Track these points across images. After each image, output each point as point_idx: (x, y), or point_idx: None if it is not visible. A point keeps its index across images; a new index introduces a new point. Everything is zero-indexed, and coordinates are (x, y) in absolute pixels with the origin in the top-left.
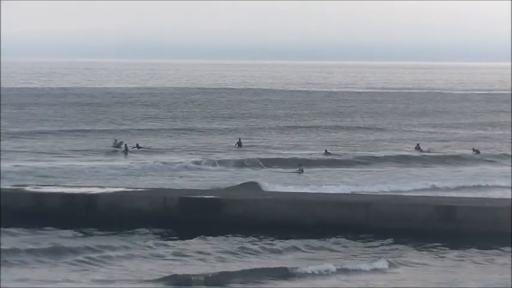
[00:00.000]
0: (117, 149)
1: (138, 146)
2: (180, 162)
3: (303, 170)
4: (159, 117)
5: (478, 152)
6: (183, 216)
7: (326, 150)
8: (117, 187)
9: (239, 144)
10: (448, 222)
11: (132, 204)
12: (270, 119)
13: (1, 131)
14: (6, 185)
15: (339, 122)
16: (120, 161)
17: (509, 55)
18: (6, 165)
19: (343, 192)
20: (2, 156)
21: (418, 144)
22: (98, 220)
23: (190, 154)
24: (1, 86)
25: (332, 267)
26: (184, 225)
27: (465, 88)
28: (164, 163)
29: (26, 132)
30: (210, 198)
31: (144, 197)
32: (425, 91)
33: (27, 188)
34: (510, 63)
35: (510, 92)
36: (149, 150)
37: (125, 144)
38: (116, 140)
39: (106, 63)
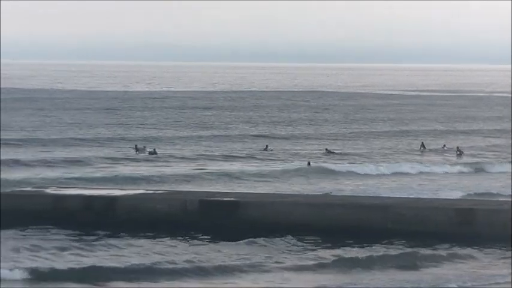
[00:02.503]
0: (140, 153)
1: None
2: None
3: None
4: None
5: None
6: (203, 219)
7: (326, 149)
8: (137, 189)
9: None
10: (468, 225)
11: (152, 206)
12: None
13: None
14: (27, 187)
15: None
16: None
17: (508, 57)
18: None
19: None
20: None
21: None
22: (117, 223)
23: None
24: (24, 88)
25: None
26: (205, 228)
27: None
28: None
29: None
30: (230, 200)
31: (164, 199)
32: (482, 94)
33: (48, 190)
34: (510, 66)
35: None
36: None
37: (154, 149)
38: (140, 146)
39: (118, 65)
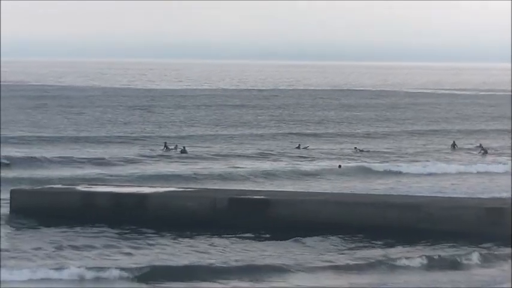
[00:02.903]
0: (171, 151)
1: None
2: None
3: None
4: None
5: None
6: (233, 217)
7: (356, 148)
8: (167, 187)
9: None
10: (499, 225)
11: (182, 204)
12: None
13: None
14: (57, 184)
15: None
16: None
17: (507, 56)
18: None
19: None
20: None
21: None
22: (148, 220)
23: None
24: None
25: None
26: (235, 226)
27: None
28: None
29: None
30: (260, 198)
31: (194, 197)
32: None
33: (78, 188)
34: (510, 64)
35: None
36: None
37: (184, 147)
38: (170, 144)
39: (125, 63)
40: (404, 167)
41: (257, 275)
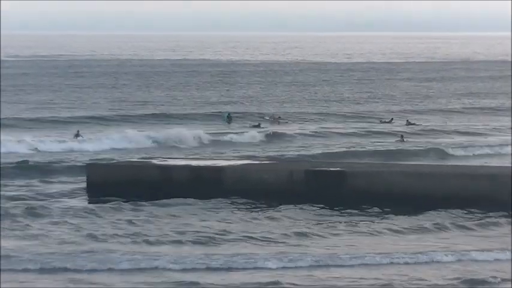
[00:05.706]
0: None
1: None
2: None
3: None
4: None
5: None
6: (309, 189)
7: (408, 120)
8: (243, 160)
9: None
10: None
11: (258, 177)
12: None
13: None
14: (134, 158)
15: None
16: None
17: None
18: None
19: None
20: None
21: None
22: (224, 193)
23: None
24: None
25: None
26: (312, 197)
27: None
28: None
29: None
30: (336, 170)
31: (271, 169)
32: None
33: (154, 161)
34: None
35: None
36: None
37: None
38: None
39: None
40: None
41: None
